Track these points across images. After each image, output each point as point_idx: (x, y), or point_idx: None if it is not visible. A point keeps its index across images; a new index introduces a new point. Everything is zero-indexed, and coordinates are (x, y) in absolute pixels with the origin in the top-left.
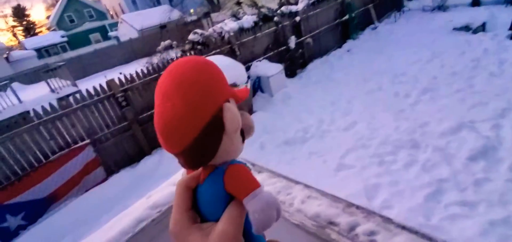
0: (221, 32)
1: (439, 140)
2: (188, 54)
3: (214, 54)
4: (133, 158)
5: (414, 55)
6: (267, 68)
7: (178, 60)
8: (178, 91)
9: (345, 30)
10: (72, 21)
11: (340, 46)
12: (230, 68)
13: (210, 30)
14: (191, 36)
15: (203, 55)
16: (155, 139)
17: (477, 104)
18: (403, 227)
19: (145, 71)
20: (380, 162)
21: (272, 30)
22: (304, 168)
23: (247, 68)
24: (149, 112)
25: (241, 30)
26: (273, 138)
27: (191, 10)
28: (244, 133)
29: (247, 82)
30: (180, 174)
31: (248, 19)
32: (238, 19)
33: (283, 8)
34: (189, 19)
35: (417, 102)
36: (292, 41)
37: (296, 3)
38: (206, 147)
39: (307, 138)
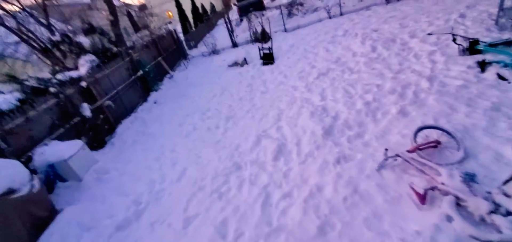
0: None
1: (251, 154)
2: None
3: None
4: None
5: (210, 92)
6: (61, 150)
7: None
8: None
9: (145, 84)
10: None
11: (145, 100)
12: None
13: None
14: None
15: None
16: None
17: (262, 117)
18: None
19: None
20: (219, 195)
21: (53, 103)
22: None
23: (28, 160)
24: None
25: (1, 115)
26: (100, 232)
27: None
28: None
29: (32, 179)
30: None
31: (7, 98)
32: None
33: (59, 76)
34: None
35: (226, 130)
36: (86, 109)
37: (76, 68)
38: None
39: (142, 209)
